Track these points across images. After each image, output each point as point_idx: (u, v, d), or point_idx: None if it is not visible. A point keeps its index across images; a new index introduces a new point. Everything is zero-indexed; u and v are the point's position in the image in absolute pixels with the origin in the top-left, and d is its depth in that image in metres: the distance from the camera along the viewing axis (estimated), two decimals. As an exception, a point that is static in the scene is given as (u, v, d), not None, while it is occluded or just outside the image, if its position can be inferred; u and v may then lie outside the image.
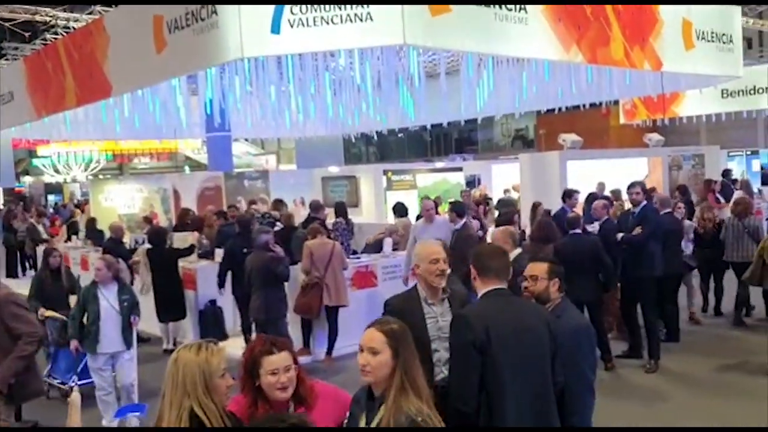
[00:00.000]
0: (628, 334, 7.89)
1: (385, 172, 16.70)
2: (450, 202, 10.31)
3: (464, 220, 8.61)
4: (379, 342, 2.66)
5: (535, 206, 10.88)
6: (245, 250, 8.13)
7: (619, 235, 7.69)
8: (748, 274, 7.63)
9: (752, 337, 8.31)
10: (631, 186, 8.05)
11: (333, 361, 8.10)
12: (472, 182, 18.89)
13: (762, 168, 22.32)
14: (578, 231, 7.66)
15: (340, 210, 11.17)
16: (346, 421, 2.81)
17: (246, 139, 27.87)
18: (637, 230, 7.58)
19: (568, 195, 10.28)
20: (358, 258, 9.53)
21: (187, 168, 28.59)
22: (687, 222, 9.40)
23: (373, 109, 15.85)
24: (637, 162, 14.80)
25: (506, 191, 16.06)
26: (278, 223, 10.65)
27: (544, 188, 12.35)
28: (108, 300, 6.25)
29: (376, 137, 25.75)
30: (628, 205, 8.63)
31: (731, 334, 8.59)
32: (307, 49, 8.91)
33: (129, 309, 6.33)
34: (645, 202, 7.93)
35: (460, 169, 18.96)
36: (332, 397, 2.97)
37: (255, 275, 7.59)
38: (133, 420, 6.09)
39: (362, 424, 2.67)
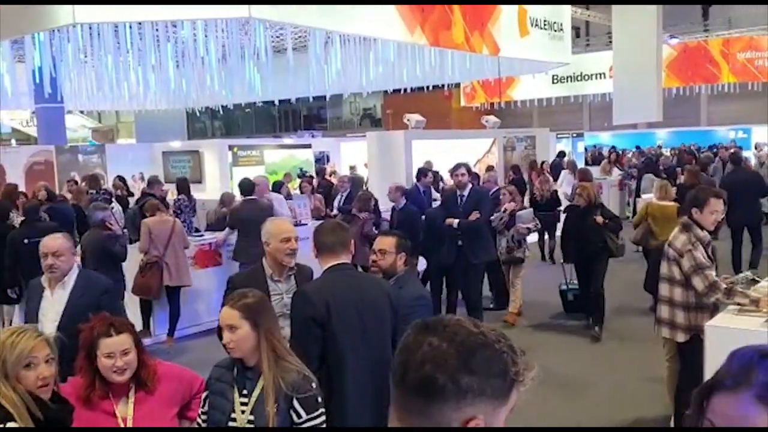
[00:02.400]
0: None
1: (230, 148, 16.34)
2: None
3: (253, 196, 8.57)
4: (235, 318, 2.69)
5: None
6: (27, 241, 7.05)
7: (455, 222, 7.34)
8: (638, 236, 8.29)
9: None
10: (455, 167, 7.63)
11: (175, 342, 7.90)
12: (321, 159, 18.96)
13: (586, 149, 24.19)
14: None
15: (182, 186, 10.82)
16: (205, 399, 2.80)
17: (81, 111, 26.12)
18: (474, 215, 7.29)
19: (423, 174, 10.54)
20: (201, 236, 9.30)
21: (13, 141, 26.34)
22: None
23: (218, 82, 15.43)
24: (479, 142, 15.50)
25: (352, 168, 16.28)
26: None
27: (390, 166, 12.62)
28: None
29: (221, 111, 25.06)
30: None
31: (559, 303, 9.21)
32: (146, 17, 8.51)
33: None
34: (469, 185, 7.60)
35: (308, 146, 18.96)
36: (176, 377, 2.95)
37: (89, 255, 7.18)
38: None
39: (236, 397, 2.70)
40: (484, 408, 1.17)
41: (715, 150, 20.33)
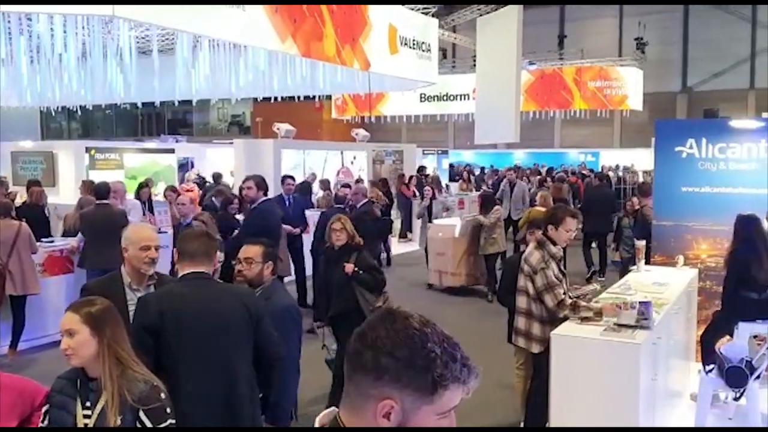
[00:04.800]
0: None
1: (87, 150, 15.56)
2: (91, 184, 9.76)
3: (107, 201, 8.28)
4: (74, 322, 2.61)
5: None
6: None
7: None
8: (521, 237, 9.08)
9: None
10: (244, 180, 7.38)
11: (18, 355, 7.39)
12: (185, 165, 18.44)
13: (450, 166, 25.07)
14: (341, 206, 8.87)
15: (34, 189, 10.15)
16: (46, 413, 2.65)
17: None
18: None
19: (282, 181, 10.49)
20: (52, 242, 8.77)
21: None
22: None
23: (76, 81, 14.61)
24: (353, 154, 15.73)
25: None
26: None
27: (258, 173, 12.50)
28: None
29: (79, 112, 23.76)
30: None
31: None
32: (-2, 7, 7.96)
33: None
34: (263, 199, 7.30)
35: (172, 151, 18.38)
36: (17, 389, 2.80)
37: None
38: None
39: (78, 409, 2.57)
40: (401, 395, 1.30)
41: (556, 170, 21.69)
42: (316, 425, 1.40)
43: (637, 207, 10.76)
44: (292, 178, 11.01)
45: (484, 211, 10.33)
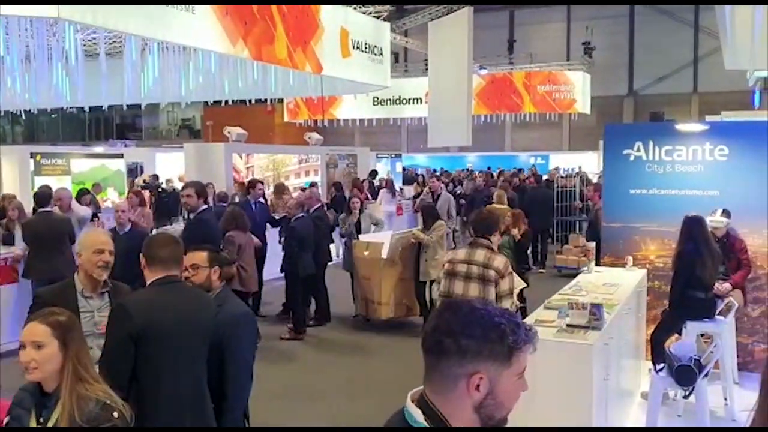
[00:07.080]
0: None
1: (32, 155, 15.14)
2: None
3: (48, 208, 8.00)
4: (44, 334, 2.49)
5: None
6: None
7: None
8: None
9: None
10: (183, 187, 7.15)
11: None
12: (134, 170, 18.10)
13: (404, 169, 25.14)
14: (302, 215, 8.67)
15: (-25, 196, 9.83)
16: (6, 425, 2.57)
17: None
18: None
19: (252, 186, 10.32)
20: (-4, 250, 8.49)
21: None
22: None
23: (20, 84, 14.19)
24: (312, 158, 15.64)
25: (168, 181, 15.70)
26: None
27: (209, 178, 12.31)
28: None
29: (23, 116, 23.07)
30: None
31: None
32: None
33: None
34: (203, 207, 6.86)
35: (120, 156, 18.01)
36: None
37: None
38: None
39: (33, 423, 2.48)
40: (485, 366, 1.49)
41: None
42: (408, 398, 1.56)
43: (520, 224, 8.34)
44: (262, 182, 10.89)
45: (425, 226, 8.56)
